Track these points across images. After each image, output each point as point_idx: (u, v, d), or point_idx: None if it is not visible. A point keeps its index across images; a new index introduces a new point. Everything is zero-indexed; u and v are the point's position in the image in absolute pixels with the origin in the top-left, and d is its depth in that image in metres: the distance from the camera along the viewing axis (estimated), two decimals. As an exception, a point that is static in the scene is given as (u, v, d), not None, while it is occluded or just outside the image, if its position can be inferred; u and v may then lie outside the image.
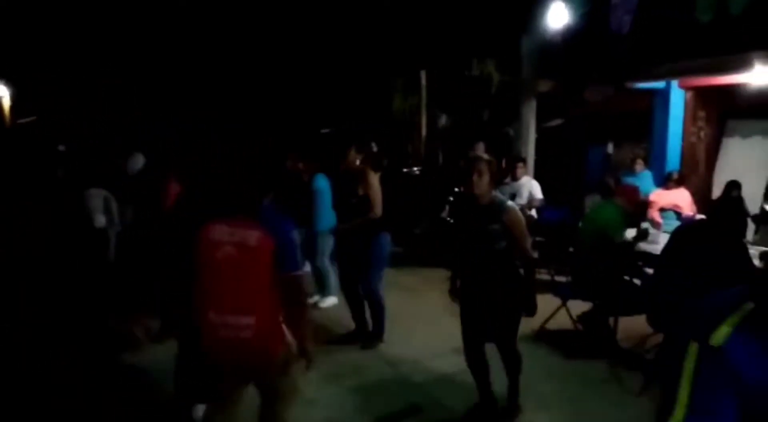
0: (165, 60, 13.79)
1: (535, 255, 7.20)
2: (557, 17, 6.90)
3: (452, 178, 7.91)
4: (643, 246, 5.08)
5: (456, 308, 3.49)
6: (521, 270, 3.32)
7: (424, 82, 11.22)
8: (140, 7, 12.43)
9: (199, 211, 2.55)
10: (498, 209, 3.22)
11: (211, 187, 3.23)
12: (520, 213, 3.28)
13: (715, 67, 6.50)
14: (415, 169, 10.77)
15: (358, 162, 4.59)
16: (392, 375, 4.21)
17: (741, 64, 6.04)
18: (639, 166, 7.48)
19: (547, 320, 4.88)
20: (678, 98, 7.73)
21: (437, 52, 11.08)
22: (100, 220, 6.65)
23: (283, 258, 2.32)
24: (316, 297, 5.84)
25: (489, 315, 3.33)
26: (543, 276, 6.13)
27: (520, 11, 8.19)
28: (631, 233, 5.12)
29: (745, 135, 7.83)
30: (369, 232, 4.47)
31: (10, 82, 15.79)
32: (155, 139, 7.90)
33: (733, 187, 6.58)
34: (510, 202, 3.30)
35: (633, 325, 4.58)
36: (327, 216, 5.41)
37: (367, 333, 4.72)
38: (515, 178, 7.41)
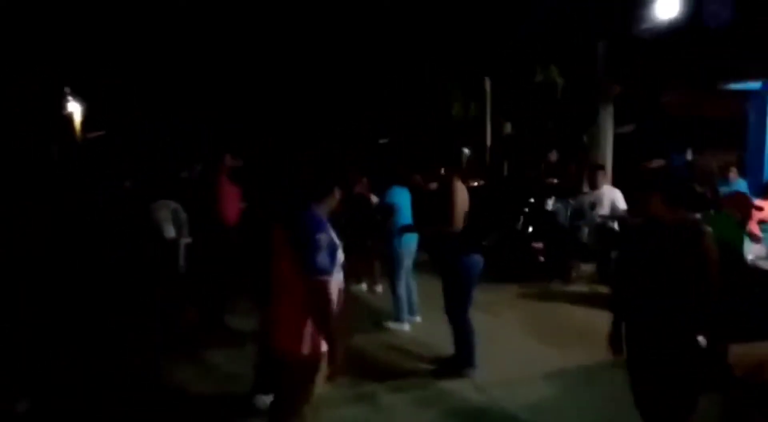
0: (229, 73, 13.99)
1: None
2: (667, 8, 6.40)
3: (523, 187, 7.53)
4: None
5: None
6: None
7: (488, 88, 10.84)
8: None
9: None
10: (694, 233, 2.49)
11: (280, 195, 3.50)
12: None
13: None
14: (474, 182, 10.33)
15: (442, 170, 4.27)
16: (482, 402, 3.86)
17: None
18: (733, 174, 6.88)
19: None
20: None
21: (500, 59, 10.71)
22: (170, 231, 6.64)
23: (302, 260, 2.38)
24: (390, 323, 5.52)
25: (661, 392, 2.62)
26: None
27: (597, 14, 7.78)
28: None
29: None
30: (452, 250, 4.13)
31: (81, 98, 16.46)
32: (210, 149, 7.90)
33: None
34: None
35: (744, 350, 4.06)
36: (401, 234, 5.11)
37: (454, 358, 4.35)
38: (595, 187, 6.95)
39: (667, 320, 2.57)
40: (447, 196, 4.04)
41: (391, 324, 5.46)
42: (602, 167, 7.14)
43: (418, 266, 5.71)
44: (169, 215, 6.72)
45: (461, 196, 4.12)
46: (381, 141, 14.43)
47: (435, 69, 12.24)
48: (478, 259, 4.18)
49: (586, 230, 6.66)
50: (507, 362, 4.45)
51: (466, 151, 12.05)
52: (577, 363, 4.42)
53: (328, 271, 2.40)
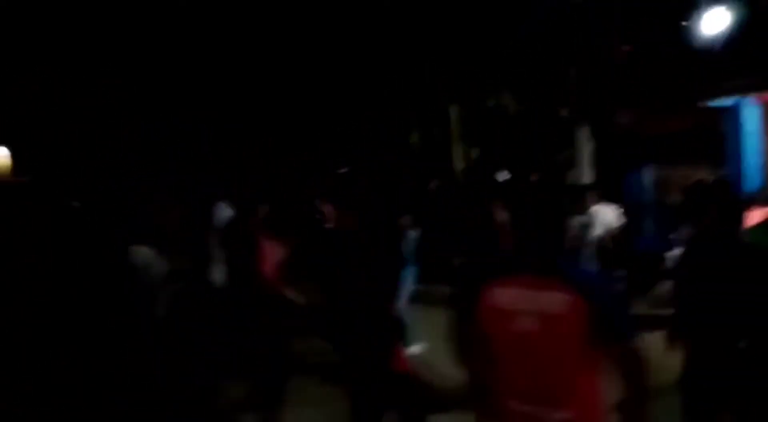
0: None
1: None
2: (715, 23, 6.41)
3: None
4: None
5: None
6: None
7: (454, 115, 10.82)
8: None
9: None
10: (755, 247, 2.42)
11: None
12: None
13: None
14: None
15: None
16: None
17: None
18: (715, 186, 7.01)
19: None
20: (752, 114, 7.32)
21: (464, 84, 10.74)
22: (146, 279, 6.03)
23: (609, 325, 1.66)
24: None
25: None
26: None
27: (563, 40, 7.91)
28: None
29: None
30: None
31: (6, 143, 15.22)
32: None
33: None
34: None
35: None
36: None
37: None
38: (584, 208, 6.91)
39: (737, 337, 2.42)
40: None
41: None
42: (591, 187, 7.14)
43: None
44: (146, 262, 6.12)
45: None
46: (341, 171, 14.08)
47: (392, 96, 12.15)
48: None
49: (586, 252, 6.59)
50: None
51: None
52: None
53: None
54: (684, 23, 6.64)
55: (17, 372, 3.51)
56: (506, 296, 1.69)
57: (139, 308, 5.65)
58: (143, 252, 6.14)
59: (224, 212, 5.05)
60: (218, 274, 4.91)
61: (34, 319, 3.89)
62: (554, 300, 1.63)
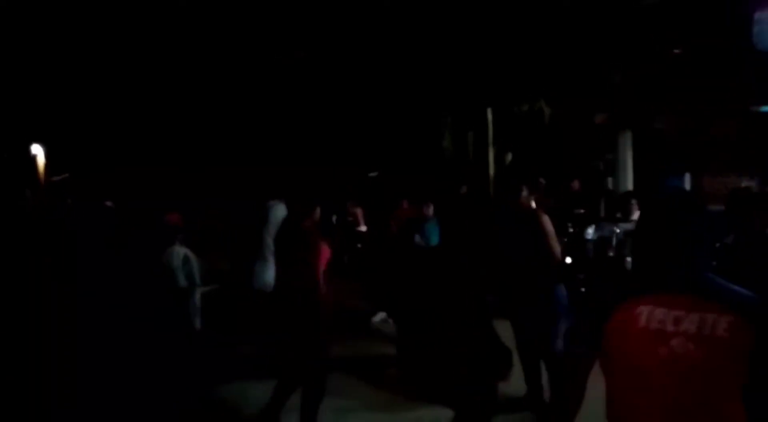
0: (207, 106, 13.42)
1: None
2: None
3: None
4: None
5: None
6: None
7: (490, 117, 10.64)
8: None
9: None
10: None
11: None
12: None
13: None
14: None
15: (533, 204, 3.86)
16: None
17: None
18: None
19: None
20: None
21: (500, 88, 10.56)
22: (181, 280, 6.01)
23: None
24: None
25: None
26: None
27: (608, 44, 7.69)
28: None
29: None
30: (548, 283, 3.71)
31: (43, 141, 15.54)
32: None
33: None
34: None
35: None
36: None
37: (543, 401, 3.86)
38: (629, 215, 6.69)
39: None
40: (543, 228, 3.65)
41: None
42: (635, 194, 6.93)
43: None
44: (180, 263, 6.10)
45: (551, 227, 3.74)
46: (371, 174, 13.98)
47: (426, 99, 11.98)
48: (564, 291, 3.90)
49: (629, 260, 6.36)
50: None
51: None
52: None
53: None
54: (736, 27, 6.39)
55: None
56: (651, 317, 1.54)
57: (170, 308, 5.64)
58: (178, 252, 6.14)
59: (280, 211, 4.91)
60: (268, 274, 4.80)
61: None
62: (715, 321, 1.45)
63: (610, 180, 8.89)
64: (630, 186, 7.92)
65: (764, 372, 1.40)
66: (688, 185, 10.21)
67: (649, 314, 1.51)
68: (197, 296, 5.91)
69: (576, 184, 7.54)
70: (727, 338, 1.41)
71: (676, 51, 6.69)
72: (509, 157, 11.10)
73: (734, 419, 1.44)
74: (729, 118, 7.96)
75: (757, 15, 5.10)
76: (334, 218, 10.21)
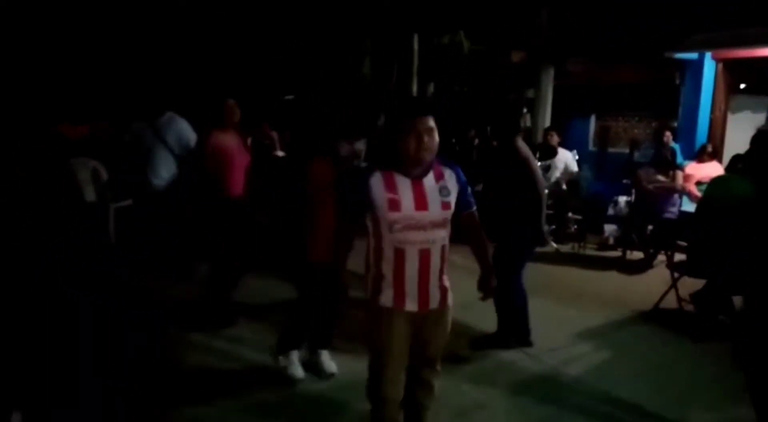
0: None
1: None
2: None
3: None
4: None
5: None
6: None
7: (416, 47, 10.42)
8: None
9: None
10: None
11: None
12: None
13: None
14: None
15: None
16: (543, 371, 3.64)
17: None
18: (667, 137, 7.29)
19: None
20: (710, 70, 7.58)
21: (425, 17, 10.33)
22: (89, 195, 5.56)
23: None
24: None
25: None
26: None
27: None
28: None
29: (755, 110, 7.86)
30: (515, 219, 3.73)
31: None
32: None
33: (737, 160, 6.52)
34: None
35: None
36: None
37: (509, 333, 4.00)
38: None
39: None
40: (523, 162, 3.66)
41: None
42: (555, 129, 7.21)
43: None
44: (89, 176, 5.62)
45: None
46: (287, 97, 13.36)
47: (346, 21, 11.48)
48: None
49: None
50: (540, 328, 4.09)
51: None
52: (597, 323, 4.46)
53: None
54: None
55: None
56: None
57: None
58: (85, 165, 5.62)
59: (179, 122, 5.02)
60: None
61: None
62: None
63: (528, 117, 9.21)
64: (547, 123, 8.24)
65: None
66: (592, 127, 10.84)
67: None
68: (111, 211, 5.52)
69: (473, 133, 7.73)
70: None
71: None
72: (431, 87, 11.06)
73: None
74: (635, 63, 8.37)
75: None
76: (248, 140, 9.73)
